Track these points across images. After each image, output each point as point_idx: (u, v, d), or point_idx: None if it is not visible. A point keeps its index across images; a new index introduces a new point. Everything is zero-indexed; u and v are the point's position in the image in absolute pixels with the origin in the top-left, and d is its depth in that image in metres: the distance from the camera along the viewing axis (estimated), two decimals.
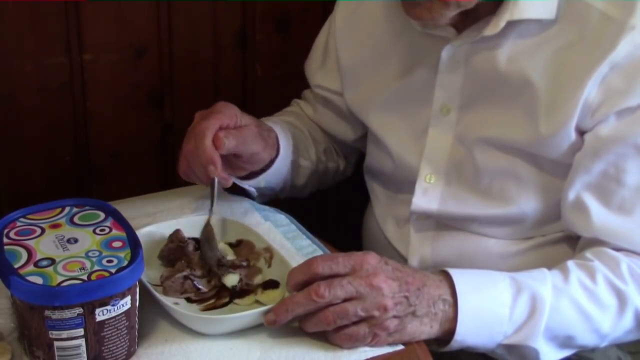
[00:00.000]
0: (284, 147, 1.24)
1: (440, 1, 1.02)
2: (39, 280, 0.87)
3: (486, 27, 1.08)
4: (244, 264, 1.06)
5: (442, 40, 1.13)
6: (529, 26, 1.07)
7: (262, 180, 1.24)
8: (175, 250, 1.07)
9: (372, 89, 1.24)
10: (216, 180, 1.11)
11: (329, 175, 1.40)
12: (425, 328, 0.99)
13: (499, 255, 1.17)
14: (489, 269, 1.05)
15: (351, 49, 1.27)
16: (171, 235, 1.08)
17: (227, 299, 1.01)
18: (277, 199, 1.33)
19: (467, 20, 1.10)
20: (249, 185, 1.24)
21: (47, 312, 0.86)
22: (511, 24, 1.07)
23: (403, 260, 1.23)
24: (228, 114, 1.13)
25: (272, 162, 1.22)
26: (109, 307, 0.88)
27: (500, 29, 1.06)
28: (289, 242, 1.14)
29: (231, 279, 1.03)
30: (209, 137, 1.09)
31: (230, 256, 1.08)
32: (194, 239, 1.10)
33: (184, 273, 1.02)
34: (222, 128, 1.11)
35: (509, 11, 1.05)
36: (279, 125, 1.26)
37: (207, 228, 1.08)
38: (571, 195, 1.09)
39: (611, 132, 1.05)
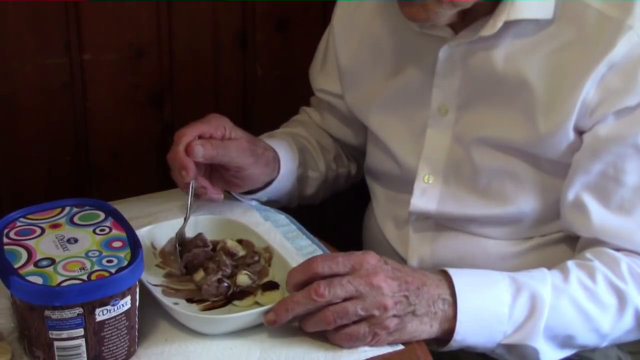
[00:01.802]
0: (285, 165, 1.24)
1: (435, 0, 1.02)
2: (39, 280, 0.87)
3: (483, 28, 1.07)
4: (256, 259, 1.06)
5: (439, 40, 1.13)
6: (526, 26, 1.07)
7: (264, 196, 1.25)
8: (199, 255, 1.06)
9: (370, 89, 1.24)
10: (192, 185, 1.11)
11: (340, 181, 1.40)
12: (425, 327, 0.99)
13: (498, 256, 1.17)
14: (489, 269, 1.05)
15: (349, 50, 1.26)
16: (194, 239, 1.08)
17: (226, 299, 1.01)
18: None
19: (464, 20, 1.10)
20: (251, 198, 1.24)
21: (47, 312, 0.86)
22: (508, 24, 1.07)
23: (402, 261, 1.23)
24: (214, 124, 1.14)
25: (271, 182, 1.23)
26: (109, 307, 0.88)
27: (497, 29, 1.06)
28: (289, 242, 1.14)
29: (244, 280, 1.03)
30: (182, 144, 1.10)
31: (241, 251, 1.08)
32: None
33: (218, 276, 1.03)
34: (204, 137, 1.12)
35: (506, 11, 1.05)
36: (284, 142, 1.27)
37: (180, 236, 1.09)
38: (570, 195, 1.09)
39: (610, 132, 1.04)
